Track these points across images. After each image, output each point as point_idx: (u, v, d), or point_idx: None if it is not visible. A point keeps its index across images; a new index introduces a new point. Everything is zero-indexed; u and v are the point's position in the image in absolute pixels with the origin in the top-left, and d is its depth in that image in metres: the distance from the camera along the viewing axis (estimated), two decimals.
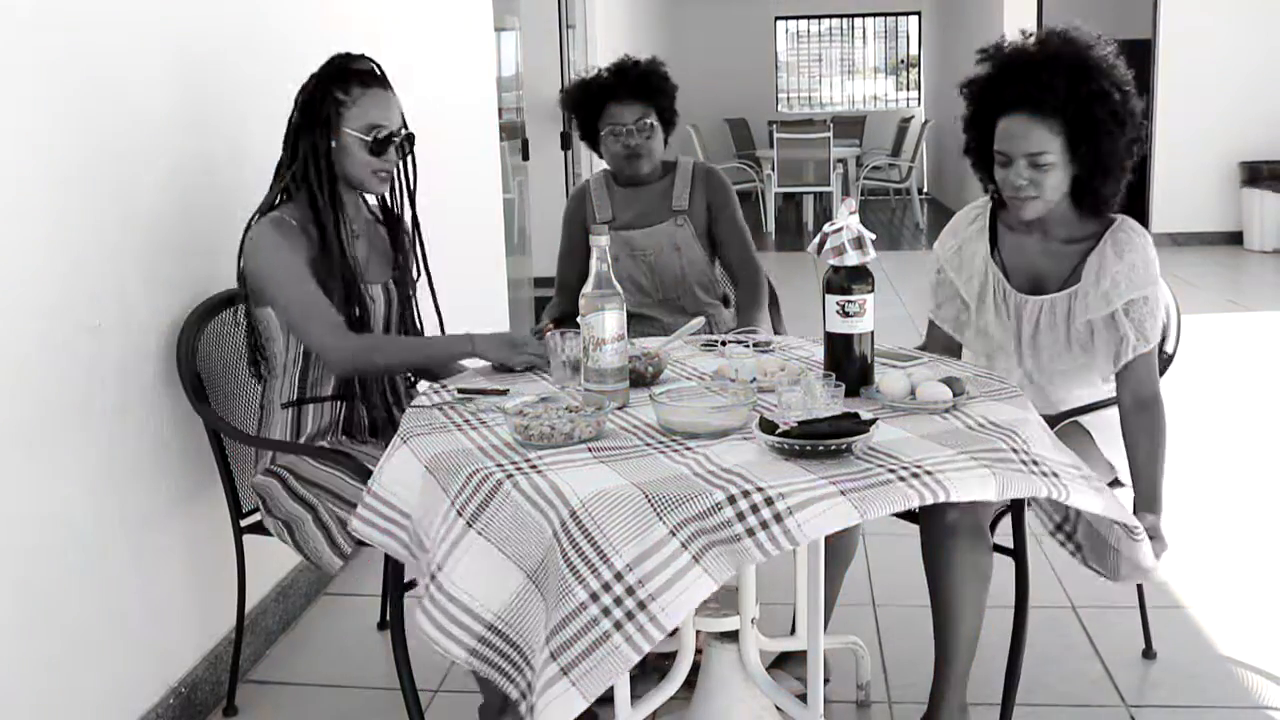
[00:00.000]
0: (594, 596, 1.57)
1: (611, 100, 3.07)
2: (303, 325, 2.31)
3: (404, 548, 1.89)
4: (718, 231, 3.17)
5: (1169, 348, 2.56)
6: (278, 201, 2.40)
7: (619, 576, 1.57)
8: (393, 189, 2.50)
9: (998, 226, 2.48)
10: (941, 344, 2.58)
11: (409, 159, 2.51)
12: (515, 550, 1.66)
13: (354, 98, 2.35)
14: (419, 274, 2.61)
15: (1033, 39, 2.33)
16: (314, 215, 2.36)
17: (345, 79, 2.36)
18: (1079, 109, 2.22)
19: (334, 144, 2.36)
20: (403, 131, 2.43)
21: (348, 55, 2.40)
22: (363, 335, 2.34)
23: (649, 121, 3.06)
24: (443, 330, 2.76)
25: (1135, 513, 2.24)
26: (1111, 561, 2.16)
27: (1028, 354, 2.44)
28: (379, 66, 2.43)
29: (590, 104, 3.11)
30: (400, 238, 2.58)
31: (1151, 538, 2.13)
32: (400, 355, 2.39)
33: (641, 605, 1.56)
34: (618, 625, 1.57)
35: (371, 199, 2.58)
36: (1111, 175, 2.28)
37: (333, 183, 2.38)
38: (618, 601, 1.57)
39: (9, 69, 1.99)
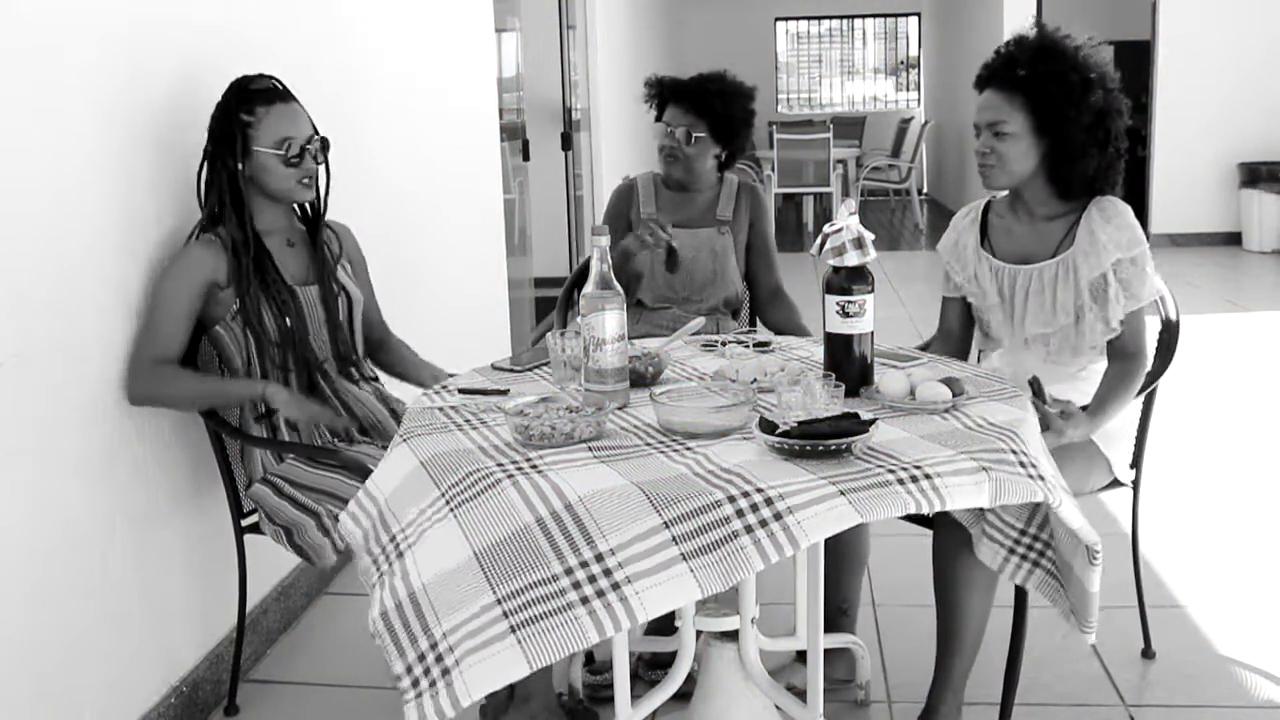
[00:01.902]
0: (568, 571, 1.57)
1: (672, 101, 3.21)
2: (135, 341, 2.34)
3: (369, 557, 1.87)
4: (751, 245, 3.27)
5: (1171, 345, 2.58)
6: (211, 222, 2.43)
7: (599, 558, 1.56)
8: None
9: (989, 219, 2.60)
10: (953, 320, 2.66)
11: (325, 163, 2.55)
12: (476, 532, 1.65)
13: (259, 116, 2.40)
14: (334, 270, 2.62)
15: (1034, 30, 2.48)
16: (240, 234, 2.40)
17: (248, 100, 2.40)
18: (1036, 86, 2.37)
19: (244, 165, 2.39)
20: (315, 139, 2.47)
21: (246, 77, 2.44)
22: (167, 366, 2.33)
23: (695, 134, 3.15)
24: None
25: (1075, 413, 2.26)
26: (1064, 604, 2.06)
27: (1018, 324, 2.51)
28: (279, 82, 2.46)
29: (659, 99, 3.25)
30: (322, 240, 2.60)
31: (1065, 416, 2.20)
32: (191, 390, 2.36)
33: (615, 585, 1.55)
34: (584, 600, 1.55)
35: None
36: (1075, 157, 2.39)
37: (243, 203, 2.42)
38: (591, 579, 1.56)
39: (13, 73, 2.00)
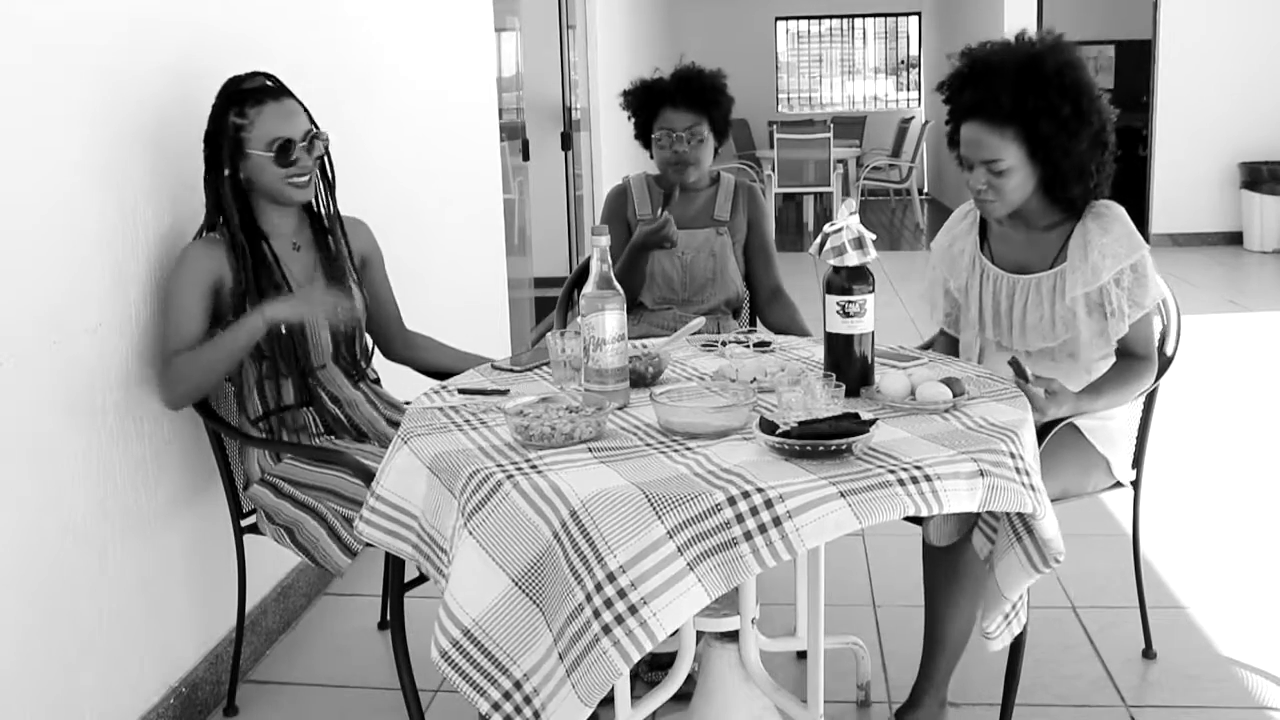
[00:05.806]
0: (589, 597, 1.57)
1: (668, 105, 3.12)
2: (160, 349, 2.34)
3: (413, 547, 1.89)
4: (750, 246, 3.24)
5: (1169, 349, 2.57)
6: (215, 224, 2.42)
7: (611, 578, 1.56)
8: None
9: (988, 224, 2.54)
10: (945, 347, 2.64)
11: (326, 156, 2.52)
12: (503, 553, 1.65)
13: (251, 118, 2.37)
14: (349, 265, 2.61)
15: (997, 43, 2.38)
16: (241, 237, 2.39)
17: (240, 101, 2.38)
18: (1027, 120, 2.28)
19: (240, 168, 2.38)
20: (310, 133, 2.43)
21: (238, 77, 2.42)
22: (178, 354, 2.32)
23: (700, 131, 3.11)
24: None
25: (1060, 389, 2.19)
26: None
27: (1016, 334, 2.47)
28: (272, 79, 2.44)
29: (648, 106, 3.17)
30: (335, 241, 2.58)
31: (1049, 392, 2.10)
32: (209, 360, 2.32)
33: (633, 609, 1.55)
34: (606, 629, 1.56)
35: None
36: (1077, 177, 2.33)
37: (248, 206, 2.41)
38: (608, 604, 1.56)
39: (10, 73, 1.99)
